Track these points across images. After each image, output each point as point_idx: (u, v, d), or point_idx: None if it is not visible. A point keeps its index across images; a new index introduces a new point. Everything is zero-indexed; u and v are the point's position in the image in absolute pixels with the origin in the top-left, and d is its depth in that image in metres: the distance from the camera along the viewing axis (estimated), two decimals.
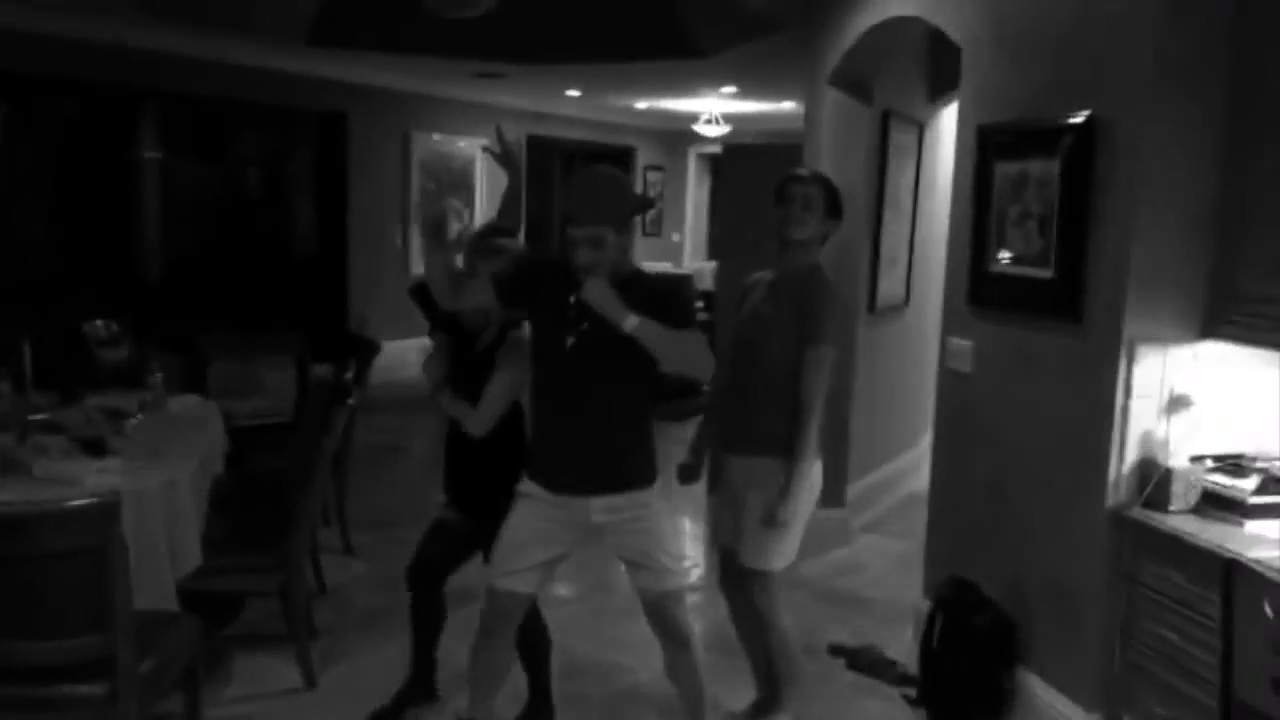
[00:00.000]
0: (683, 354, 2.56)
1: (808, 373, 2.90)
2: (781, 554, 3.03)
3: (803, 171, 3.18)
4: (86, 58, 7.13)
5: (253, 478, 4.26)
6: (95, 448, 3.29)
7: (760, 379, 3.00)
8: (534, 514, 2.73)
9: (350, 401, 3.74)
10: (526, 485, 2.77)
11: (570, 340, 2.62)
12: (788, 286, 3.03)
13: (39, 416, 3.67)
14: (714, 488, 3.28)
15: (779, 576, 3.08)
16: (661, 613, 2.81)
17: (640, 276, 2.72)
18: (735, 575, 3.17)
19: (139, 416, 3.74)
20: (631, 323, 2.48)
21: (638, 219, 12.15)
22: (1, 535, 2.47)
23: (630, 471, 2.72)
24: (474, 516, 3.14)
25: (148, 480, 3.10)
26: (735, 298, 3.29)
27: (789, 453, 2.91)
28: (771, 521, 2.89)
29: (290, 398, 5.69)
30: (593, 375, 2.64)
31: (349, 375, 4.52)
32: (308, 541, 3.63)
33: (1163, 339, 2.87)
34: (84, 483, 3.01)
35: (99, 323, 5.09)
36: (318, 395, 4.13)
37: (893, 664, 3.74)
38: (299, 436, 4.03)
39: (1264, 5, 2.68)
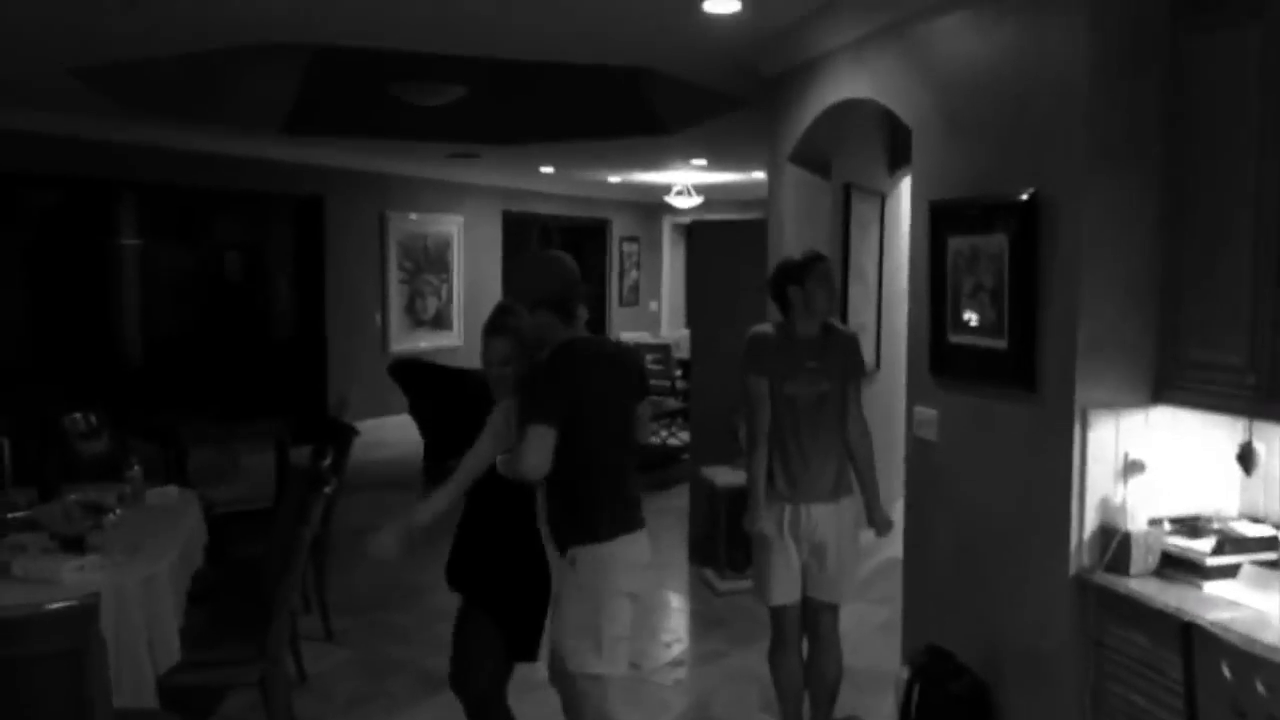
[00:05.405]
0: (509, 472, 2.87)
1: None
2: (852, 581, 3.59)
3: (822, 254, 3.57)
4: (65, 152, 7.26)
5: (232, 568, 4.27)
6: (74, 545, 3.31)
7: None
8: None
9: (328, 489, 3.78)
10: None
11: None
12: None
13: (18, 514, 3.69)
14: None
15: None
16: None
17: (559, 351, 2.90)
18: (808, 622, 3.57)
19: (118, 512, 3.76)
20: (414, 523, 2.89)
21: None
22: None
23: (557, 538, 2.98)
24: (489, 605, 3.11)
25: (126, 577, 3.13)
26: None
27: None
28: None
29: (270, 482, 5.72)
30: None
31: (326, 462, 4.55)
32: (287, 631, 3.63)
33: (1115, 405, 2.96)
34: (63, 581, 3.03)
35: (78, 415, 5.13)
36: (295, 483, 4.16)
37: None
38: (277, 525, 4.05)
39: (1191, 81, 2.82)
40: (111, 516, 3.69)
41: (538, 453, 2.74)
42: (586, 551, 2.86)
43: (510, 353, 3.01)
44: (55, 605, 2.55)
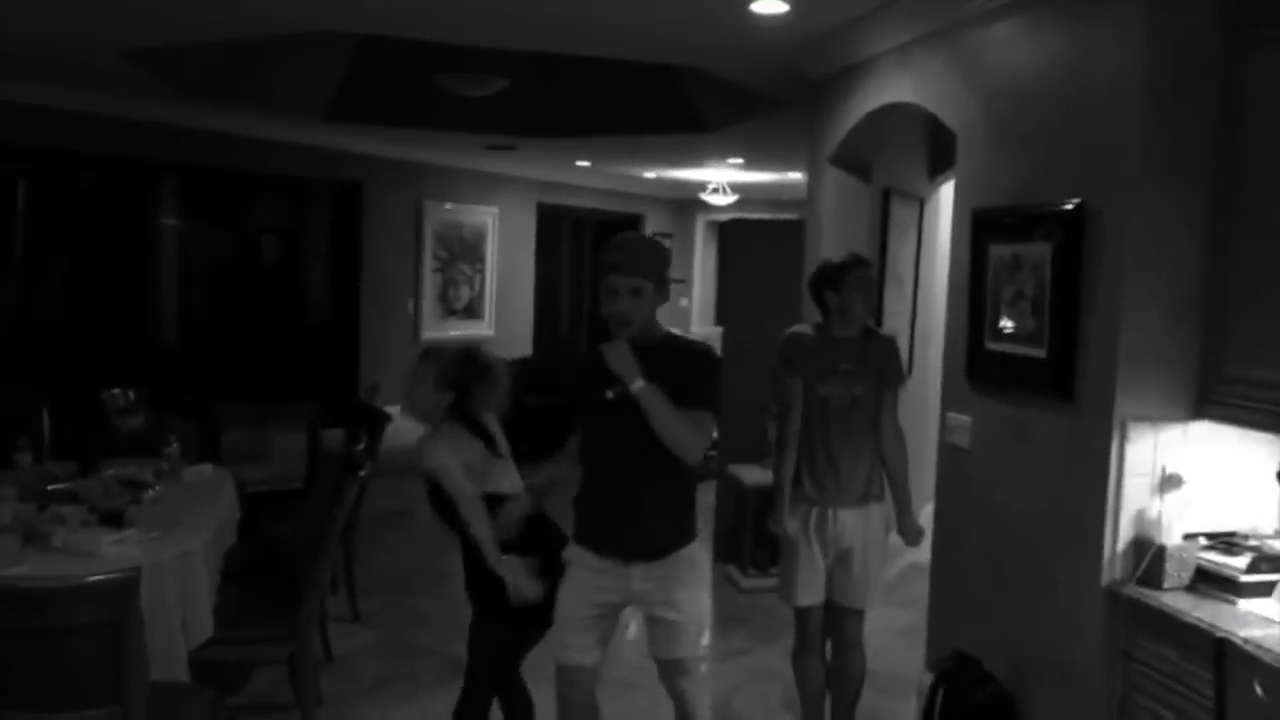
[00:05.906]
0: (677, 434, 2.64)
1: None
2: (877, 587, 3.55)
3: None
4: (108, 131, 7.34)
5: (264, 547, 4.32)
6: (113, 519, 3.36)
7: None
8: (580, 581, 2.83)
9: (361, 473, 3.82)
10: (572, 551, 2.86)
11: (603, 404, 2.70)
12: None
13: (58, 486, 3.76)
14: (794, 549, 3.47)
15: None
16: (670, 681, 2.88)
17: (673, 341, 2.82)
18: (832, 625, 3.55)
19: (156, 488, 3.81)
20: (639, 385, 2.60)
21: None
22: (22, 609, 2.53)
23: (665, 537, 2.79)
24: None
25: (163, 552, 3.18)
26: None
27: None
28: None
29: (301, 464, 5.77)
30: (621, 440, 2.71)
31: (360, 446, 4.60)
32: (317, 611, 3.68)
33: (1154, 418, 2.94)
34: (102, 554, 3.08)
35: (117, 391, 5.20)
36: (329, 467, 4.21)
37: None
38: (310, 507, 4.10)
39: (1245, 96, 2.80)
40: (150, 492, 3.75)
41: (709, 437, 2.75)
42: (698, 548, 2.90)
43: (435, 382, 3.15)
44: (95, 577, 2.60)
